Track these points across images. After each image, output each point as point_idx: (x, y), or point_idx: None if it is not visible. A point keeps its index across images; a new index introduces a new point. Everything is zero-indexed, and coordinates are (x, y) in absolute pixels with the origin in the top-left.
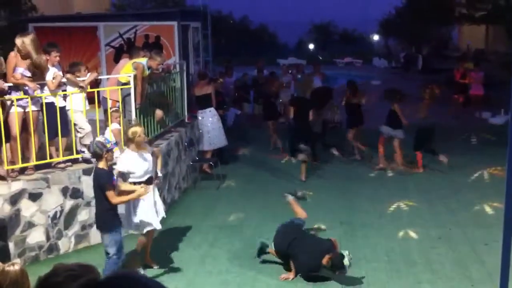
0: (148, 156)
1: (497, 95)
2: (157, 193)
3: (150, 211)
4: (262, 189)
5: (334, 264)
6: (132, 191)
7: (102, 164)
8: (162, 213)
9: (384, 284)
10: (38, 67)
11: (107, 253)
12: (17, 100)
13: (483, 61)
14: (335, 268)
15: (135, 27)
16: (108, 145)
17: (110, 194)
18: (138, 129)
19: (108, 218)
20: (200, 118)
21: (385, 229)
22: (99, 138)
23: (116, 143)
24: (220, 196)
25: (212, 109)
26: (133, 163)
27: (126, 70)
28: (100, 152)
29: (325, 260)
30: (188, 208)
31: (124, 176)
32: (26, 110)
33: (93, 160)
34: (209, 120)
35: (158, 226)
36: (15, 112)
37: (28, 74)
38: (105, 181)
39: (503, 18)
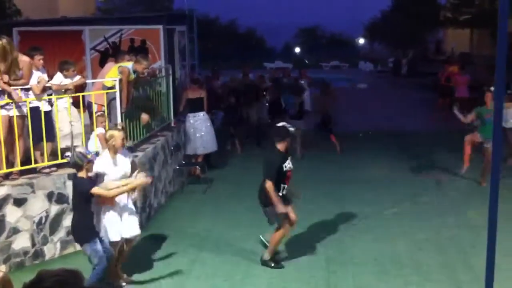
0: (125, 162)
1: (483, 97)
2: (130, 207)
3: (115, 223)
4: (250, 192)
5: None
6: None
7: (82, 174)
8: (134, 231)
9: (372, 286)
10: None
11: (91, 263)
12: (2, 105)
13: (468, 64)
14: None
15: (120, 31)
16: (89, 156)
17: (99, 191)
18: (115, 133)
19: (84, 230)
20: (191, 121)
21: (373, 231)
22: (80, 149)
23: (97, 153)
24: (207, 200)
25: (204, 113)
26: (108, 166)
27: (112, 74)
28: (80, 162)
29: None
30: (175, 213)
31: (100, 177)
32: (11, 115)
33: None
34: (203, 124)
35: (117, 239)
36: None
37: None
38: (87, 187)
39: (487, 22)
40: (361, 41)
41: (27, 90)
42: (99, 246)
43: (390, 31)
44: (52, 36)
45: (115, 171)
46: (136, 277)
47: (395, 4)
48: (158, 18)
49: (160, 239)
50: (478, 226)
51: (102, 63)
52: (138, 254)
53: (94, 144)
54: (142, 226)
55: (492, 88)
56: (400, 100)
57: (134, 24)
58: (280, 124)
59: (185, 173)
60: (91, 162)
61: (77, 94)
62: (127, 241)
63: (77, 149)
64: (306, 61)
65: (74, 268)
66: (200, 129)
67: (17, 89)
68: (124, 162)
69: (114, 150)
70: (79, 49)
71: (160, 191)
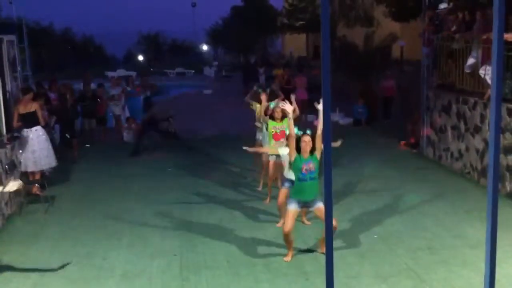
0: None
1: (319, 98)
2: None
3: None
4: (95, 208)
5: None
6: None
7: None
8: None
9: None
10: None
11: None
12: None
13: (305, 67)
14: None
15: None
16: None
17: None
18: None
19: None
20: (25, 136)
21: (223, 235)
22: None
23: None
24: (49, 219)
25: (38, 127)
26: None
27: None
28: None
29: None
30: (14, 235)
31: None
32: None
33: None
34: (36, 140)
35: None
36: None
37: None
38: None
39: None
40: (205, 47)
41: None
42: None
43: (231, 37)
44: None
45: None
46: None
47: (234, 11)
48: None
49: None
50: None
51: None
52: None
53: None
54: None
55: None
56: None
57: None
58: None
59: (23, 193)
60: None
61: None
62: None
63: None
64: (152, 69)
65: None
66: (33, 144)
67: None
68: None
69: None
70: None
71: None
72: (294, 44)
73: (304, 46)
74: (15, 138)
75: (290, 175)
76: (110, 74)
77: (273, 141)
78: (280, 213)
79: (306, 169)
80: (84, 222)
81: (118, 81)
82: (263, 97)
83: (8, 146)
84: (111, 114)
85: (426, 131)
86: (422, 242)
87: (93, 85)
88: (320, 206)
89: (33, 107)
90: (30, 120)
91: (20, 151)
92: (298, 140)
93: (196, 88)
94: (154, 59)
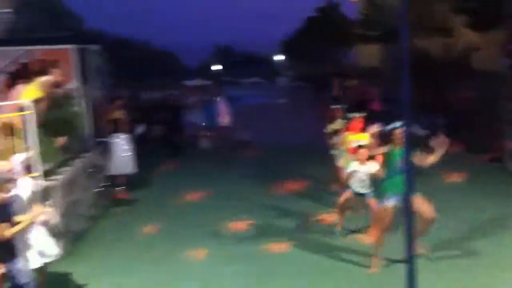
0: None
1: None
2: (43, 233)
3: (32, 248)
4: (173, 212)
5: None
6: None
7: None
8: (51, 256)
9: None
10: None
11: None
12: None
13: (377, 78)
14: None
15: (29, 52)
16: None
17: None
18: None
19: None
20: (112, 142)
21: None
22: None
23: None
24: (132, 221)
25: (126, 134)
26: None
27: (28, 95)
28: None
29: None
30: (100, 236)
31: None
32: None
33: None
34: (124, 144)
35: (37, 265)
36: None
37: None
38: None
39: (395, 38)
40: (278, 57)
41: None
42: (21, 265)
43: (305, 48)
44: None
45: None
46: None
47: (308, 22)
48: (69, 38)
49: (83, 263)
50: None
51: (11, 84)
52: (61, 278)
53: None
54: (66, 251)
55: None
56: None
57: (44, 44)
58: None
59: (108, 196)
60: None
61: None
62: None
63: None
64: (225, 79)
65: None
66: (121, 149)
67: None
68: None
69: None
70: None
71: (81, 215)
72: (368, 55)
73: (378, 57)
74: (102, 144)
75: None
76: (187, 83)
77: (348, 155)
78: (342, 213)
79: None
80: (164, 226)
81: (195, 91)
82: (338, 113)
83: (94, 151)
84: (190, 122)
85: (509, 144)
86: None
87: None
88: (417, 197)
89: (121, 114)
90: (116, 126)
91: (108, 155)
92: (389, 134)
93: (269, 98)
94: (228, 69)
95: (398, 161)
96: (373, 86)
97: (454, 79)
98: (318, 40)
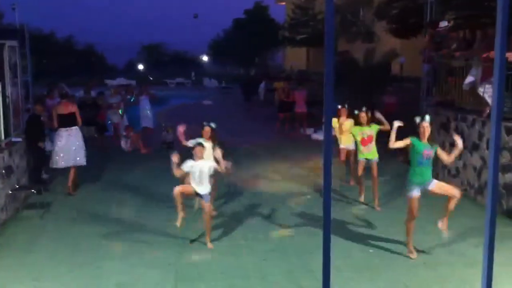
0: None
1: (319, 112)
2: None
3: None
4: (92, 216)
5: None
6: None
7: None
8: None
9: None
10: None
11: None
12: None
13: (305, 81)
14: None
15: None
16: None
17: None
18: None
19: None
20: (64, 136)
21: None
22: None
23: None
24: (45, 225)
25: (77, 127)
26: None
27: None
28: None
29: None
30: (10, 241)
31: None
32: None
33: None
34: (76, 138)
35: None
36: None
37: None
38: None
39: (321, 41)
40: (205, 58)
41: None
42: None
43: (232, 49)
44: None
45: None
46: None
47: (235, 24)
48: None
49: None
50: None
51: None
52: None
53: None
54: None
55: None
56: (248, 116)
57: None
58: None
59: (20, 198)
60: None
61: None
62: None
63: None
64: (151, 78)
65: None
66: (73, 142)
67: None
68: None
69: None
70: None
71: None
72: (295, 57)
73: (304, 60)
74: (14, 144)
75: None
76: (110, 82)
77: (361, 147)
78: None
79: (426, 155)
80: (80, 229)
81: (118, 90)
82: (343, 112)
83: (6, 151)
84: (110, 122)
85: None
86: (418, 258)
87: (93, 93)
88: (436, 182)
89: (74, 108)
90: (70, 120)
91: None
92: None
93: (195, 99)
94: (154, 69)
95: (422, 153)
96: (300, 89)
97: (377, 84)
98: (245, 42)
